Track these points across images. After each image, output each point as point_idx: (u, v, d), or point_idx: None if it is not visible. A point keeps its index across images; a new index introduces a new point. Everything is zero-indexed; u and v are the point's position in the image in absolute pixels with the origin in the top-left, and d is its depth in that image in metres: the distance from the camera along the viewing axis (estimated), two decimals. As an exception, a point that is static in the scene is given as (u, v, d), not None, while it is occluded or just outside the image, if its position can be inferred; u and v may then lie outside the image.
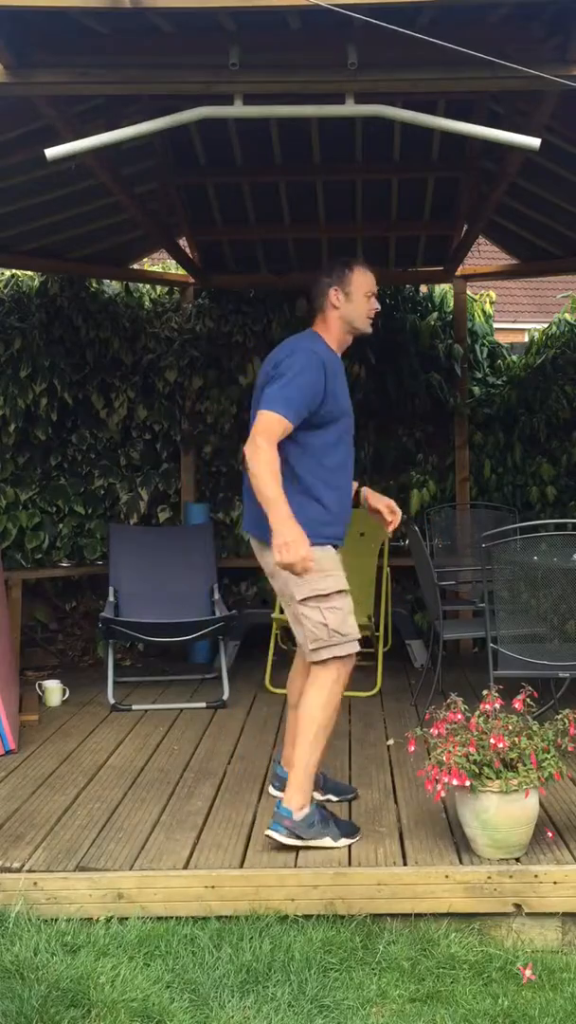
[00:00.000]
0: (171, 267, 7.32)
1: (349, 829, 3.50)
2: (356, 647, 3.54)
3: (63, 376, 6.64)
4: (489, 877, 3.18)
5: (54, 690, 5.56)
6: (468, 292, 7.14)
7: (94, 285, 6.92)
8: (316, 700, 3.49)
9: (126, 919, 3.16)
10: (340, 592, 3.52)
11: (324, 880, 3.21)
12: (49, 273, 6.72)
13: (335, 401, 3.52)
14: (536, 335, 7.59)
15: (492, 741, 3.27)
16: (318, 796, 3.70)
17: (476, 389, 7.17)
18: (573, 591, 4.29)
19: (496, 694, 3.48)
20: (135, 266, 7.18)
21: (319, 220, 6.42)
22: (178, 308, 7.02)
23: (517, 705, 3.45)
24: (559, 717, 3.40)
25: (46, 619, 6.78)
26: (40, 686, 5.62)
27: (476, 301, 7.38)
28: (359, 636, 3.57)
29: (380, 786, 4.06)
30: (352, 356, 3.88)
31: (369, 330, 3.68)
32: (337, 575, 3.55)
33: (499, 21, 3.24)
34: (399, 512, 3.74)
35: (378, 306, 3.67)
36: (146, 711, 5.38)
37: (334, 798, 3.83)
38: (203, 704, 5.45)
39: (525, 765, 3.26)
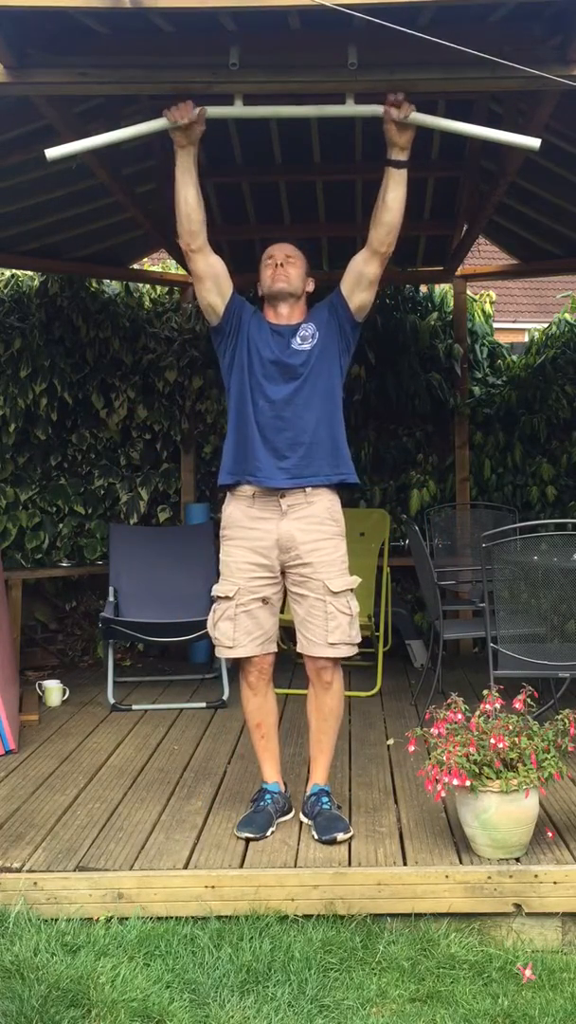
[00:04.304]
0: (171, 267, 7.32)
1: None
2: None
3: (63, 376, 6.64)
4: (489, 877, 3.18)
5: (54, 690, 5.56)
6: (468, 292, 7.14)
7: (94, 285, 6.92)
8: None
9: (126, 919, 3.16)
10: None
11: (324, 880, 3.21)
12: (49, 273, 6.71)
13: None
14: (536, 335, 7.59)
15: (492, 741, 3.27)
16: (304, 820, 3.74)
17: (476, 389, 7.18)
18: (573, 591, 4.29)
19: (496, 694, 3.48)
20: (135, 266, 7.18)
21: (319, 220, 6.42)
22: (178, 308, 7.02)
23: (517, 705, 3.45)
24: (559, 717, 3.40)
25: (46, 619, 6.78)
26: (40, 686, 5.63)
27: (476, 301, 7.38)
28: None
29: (380, 786, 4.06)
30: (352, 356, 3.87)
31: (277, 288, 3.68)
32: None
33: (499, 21, 3.23)
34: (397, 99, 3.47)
35: (279, 260, 3.67)
36: (146, 711, 5.38)
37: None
38: (203, 704, 5.45)
39: (525, 765, 3.26)
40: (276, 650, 3.78)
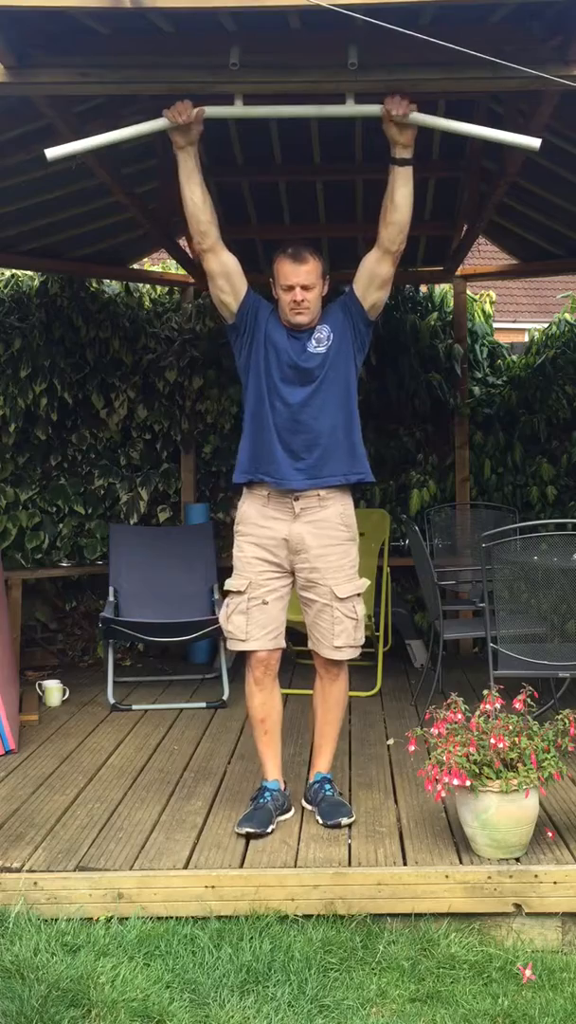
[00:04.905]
0: (171, 267, 7.32)
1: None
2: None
3: (63, 376, 6.64)
4: (489, 877, 3.18)
5: (54, 690, 5.56)
6: (468, 292, 7.14)
7: (94, 285, 6.92)
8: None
9: (126, 919, 3.17)
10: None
11: (324, 880, 3.21)
12: (49, 273, 6.71)
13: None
14: (536, 335, 7.59)
15: (492, 741, 3.27)
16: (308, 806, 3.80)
17: (476, 389, 7.17)
18: (573, 591, 4.29)
19: (496, 694, 3.48)
20: (135, 266, 7.18)
21: (319, 220, 6.42)
22: (178, 308, 7.02)
23: (517, 705, 3.45)
24: (559, 717, 3.40)
25: (46, 619, 6.78)
26: (40, 686, 5.63)
27: (476, 301, 7.37)
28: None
29: (380, 786, 4.06)
30: (366, 354, 3.86)
31: (297, 322, 3.65)
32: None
33: (499, 21, 3.23)
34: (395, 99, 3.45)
35: (298, 298, 3.60)
36: (146, 711, 5.38)
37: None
38: (203, 704, 5.45)
39: (525, 765, 3.27)
40: (284, 646, 3.82)
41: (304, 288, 3.61)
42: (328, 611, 3.69)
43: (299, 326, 3.66)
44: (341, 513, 3.72)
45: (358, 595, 3.74)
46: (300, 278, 3.61)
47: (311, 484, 3.66)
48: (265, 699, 3.78)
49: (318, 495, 3.68)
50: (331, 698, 3.79)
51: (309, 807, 3.74)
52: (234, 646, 3.77)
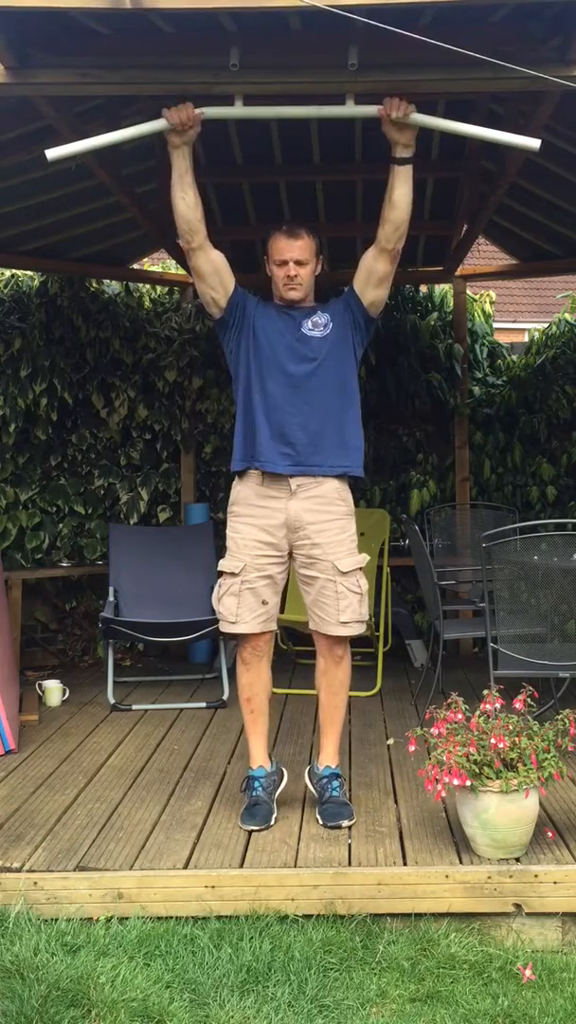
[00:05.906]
0: (171, 267, 7.32)
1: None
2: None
3: (63, 376, 6.65)
4: (489, 877, 3.19)
5: (54, 690, 5.56)
6: (468, 292, 7.14)
7: (94, 285, 6.92)
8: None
9: (126, 919, 3.17)
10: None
11: (324, 880, 3.21)
12: (49, 273, 6.72)
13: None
14: (536, 335, 7.59)
15: (492, 741, 3.27)
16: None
17: (476, 389, 7.18)
18: (573, 591, 4.29)
19: (496, 694, 3.48)
20: (135, 266, 7.19)
21: (319, 220, 6.42)
22: (178, 308, 7.02)
23: (517, 705, 3.45)
24: (559, 717, 3.40)
25: (46, 619, 6.78)
26: (40, 686, 5.63)
27: (476, 301, 7.38)
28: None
29: (380, 786, 4.06)
30: (364, 350, 3.87)
31: (289, 297, 3.68)
32: None
33: (499, 21, 3.24)
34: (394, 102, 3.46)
35: (292, 272, 3.64)
36: (146, 711, 5.38)
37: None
38: (203, 704, 5.45)
39: (525, 765, 3.27)
40: (276, 628, 3.85)
41: (298, 263, 3.64)
42: (332, 586, 3.67)
43: (292, 302, 3.69)
44: (337, 488, 3.72)
45: (360, 569, 3.73)
46: (294, 253, 3.64)
47: (298, 471, 3.66)
48: (252, 680, 3.82)
49: (313, 475, 3.70)
50: (336, 681, 3.78)
51: (313, 791, 3.75)
52: (224, 627, 3.81)
